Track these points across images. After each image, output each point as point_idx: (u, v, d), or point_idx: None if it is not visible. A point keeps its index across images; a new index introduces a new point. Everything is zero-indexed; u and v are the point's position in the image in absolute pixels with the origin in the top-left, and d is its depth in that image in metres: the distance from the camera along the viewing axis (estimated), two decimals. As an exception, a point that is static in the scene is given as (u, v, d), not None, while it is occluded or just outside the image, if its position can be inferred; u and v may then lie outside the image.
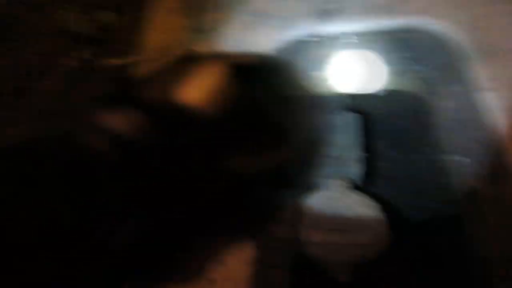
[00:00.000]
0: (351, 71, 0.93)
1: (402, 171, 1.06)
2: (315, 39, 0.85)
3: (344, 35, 0.85)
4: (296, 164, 0.31)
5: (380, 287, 0.83)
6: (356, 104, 1.05)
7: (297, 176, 0.34)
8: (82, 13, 0.80)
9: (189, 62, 0.27)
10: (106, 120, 0.23)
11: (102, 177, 0.23)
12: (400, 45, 0.88)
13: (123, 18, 0.81)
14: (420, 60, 0.89)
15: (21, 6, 0.72)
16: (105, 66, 0.76)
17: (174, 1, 0.90)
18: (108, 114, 0.24)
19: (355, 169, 0.94)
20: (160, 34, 0.87)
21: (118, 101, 0.24)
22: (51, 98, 0.70)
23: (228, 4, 0.89)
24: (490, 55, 0.72)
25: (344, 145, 0.97)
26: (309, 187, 0.79)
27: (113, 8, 0.80)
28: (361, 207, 0.86)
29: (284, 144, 0.28)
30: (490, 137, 0.69)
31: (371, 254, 0.80)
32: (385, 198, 0.98)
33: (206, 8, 0.89)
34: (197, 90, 0.24)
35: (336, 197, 0.88)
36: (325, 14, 0.85)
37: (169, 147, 0.24)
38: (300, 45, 0.87)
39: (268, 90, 0.28)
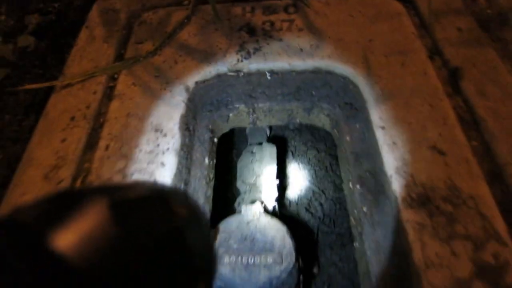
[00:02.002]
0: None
1: (313, 197, 1.17)
2: (233, 73, 0.93)
3: (260, 72, 0.94)
4: None
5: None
6: (273, 135, 1.15)
7: None
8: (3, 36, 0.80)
9: (64, 202, 0.26)
10: None
11: None
12: (309, 84, 0.99)
13: (43, 43, 0.82)
14: (326, 99, 1.01)
15: None
16: (20, 90, 0.76)
17: (99, 29, 0.94)
18: None
19: (269, 195, 1.02)
20: (82, 61, 0.89)
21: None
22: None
23: (152, 35, 0.94)
24: (383, 98, 0.85)
25: (259, 172, 1.06)
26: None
27: (32, 33, 0.81)
28: (271, 229, 0.93)
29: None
30: (379, 168, 0.80)
31: (277, 274, 0.86)
32: (295, 220, 1.07)
33: (130, 38, 0.93)
34: (74, 236, 0.22)
35: (249, 220, 0.94)
36: (244, 52, 0.94)
37: None
38: (220, 79, 0.94)
39: (155, 229, 0.26)
